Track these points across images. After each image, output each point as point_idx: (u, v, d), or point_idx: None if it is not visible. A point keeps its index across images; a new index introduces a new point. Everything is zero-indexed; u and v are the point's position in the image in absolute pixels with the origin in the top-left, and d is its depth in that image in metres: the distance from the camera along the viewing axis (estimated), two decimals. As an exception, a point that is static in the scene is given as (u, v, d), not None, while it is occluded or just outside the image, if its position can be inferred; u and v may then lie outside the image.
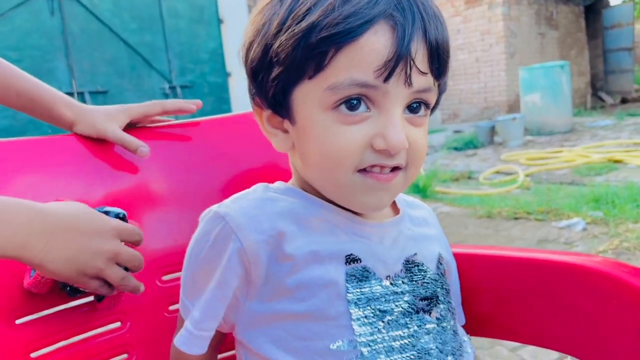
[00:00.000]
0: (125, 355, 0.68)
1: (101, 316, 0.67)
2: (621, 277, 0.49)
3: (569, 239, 3.16)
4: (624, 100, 12.22)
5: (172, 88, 6.42)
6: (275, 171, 0.74)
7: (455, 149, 7.53)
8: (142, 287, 0.63)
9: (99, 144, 0.71)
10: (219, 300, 0.53)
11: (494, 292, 0.63)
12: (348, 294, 0.52)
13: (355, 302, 0.53)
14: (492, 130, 7.67)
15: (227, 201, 0.56)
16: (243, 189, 0.59)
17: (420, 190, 4.76)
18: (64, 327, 0.62)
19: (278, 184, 0.60)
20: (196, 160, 0.77)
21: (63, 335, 0.63)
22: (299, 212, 0.55)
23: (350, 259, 0.54)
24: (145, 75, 6.27)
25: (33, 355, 0.59)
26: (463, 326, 0.66)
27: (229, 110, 7.35)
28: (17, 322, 0.59)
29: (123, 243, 0.61)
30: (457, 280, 0.68)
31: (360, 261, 0.54)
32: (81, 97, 5.64)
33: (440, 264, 0.62)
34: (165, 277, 0.71)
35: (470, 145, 7.53)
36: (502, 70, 9.87)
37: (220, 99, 7.21)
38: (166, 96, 6.49)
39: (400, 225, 0.61)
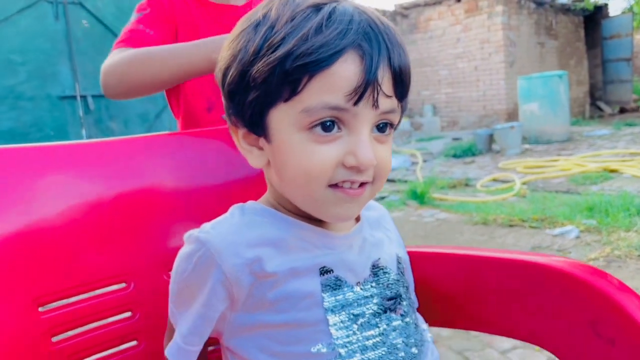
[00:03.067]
0: (134, 342, 0.75)
1: (109, 307, 0.73)
2: (577, 274, 0.55)
3: (562, 247, 3.22)
4: (622, 110, 12.31)
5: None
6: (252, 184, 0.81)
7: (454, 156, 7.59)
8: None
9: (102, 150, 0.78)
10: (205, 321, 0.58)
11: (467, 288, 0.70)
12: (324, 303, 0.58)
13: (332, 309, 0.58)
14: (491, 138, 7.73)
15: (207, 226, 0.60)
16: (238, 195, 0.64)
17: (418, 197, 4.83)
18: (84, 314, 0.69)
19: (252, 205, 0.64)
20: (194, 168, 0.84)
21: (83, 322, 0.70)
22: (275, 234, 0.59)
23: (324, 271, 0.59)
24: (148, 79, 6.35)
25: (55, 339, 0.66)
26: (431, 316, 0.72)
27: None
28: (40, 309, 0.66)
29: None
30: (410, 271, 0.73)
31: (333, 271, 0.60)
32: (84, 100, 5.71)
33: (400, 263, 0.68)
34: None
35: (468, 152, 7.60)
36: (501, 79, 9.96)
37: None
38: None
39: (362, 231, 0.66)
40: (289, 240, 0.59)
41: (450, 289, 0.71)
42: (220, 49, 0.64)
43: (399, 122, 0.61)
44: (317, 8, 0.53)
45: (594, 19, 12.24)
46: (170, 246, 0.78)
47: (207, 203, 0.82)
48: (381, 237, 0.68)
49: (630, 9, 11.92)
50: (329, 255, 0.60)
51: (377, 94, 0.53)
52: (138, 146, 0.80)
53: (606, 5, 12.30)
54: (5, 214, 0.67)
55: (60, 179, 0.73)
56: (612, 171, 5.36)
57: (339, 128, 0.54)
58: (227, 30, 1.07)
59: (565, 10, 11.52)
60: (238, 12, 1.08)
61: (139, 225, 0.77)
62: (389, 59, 0.54)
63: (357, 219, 0.67)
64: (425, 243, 3.60)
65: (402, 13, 11.05)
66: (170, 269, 0.73)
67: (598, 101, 12.61)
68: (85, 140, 0.77)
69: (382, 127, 0.57)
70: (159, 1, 1.08)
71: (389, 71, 0.54)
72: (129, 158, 0.78)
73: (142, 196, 0.78)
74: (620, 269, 2.77)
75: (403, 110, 0.60)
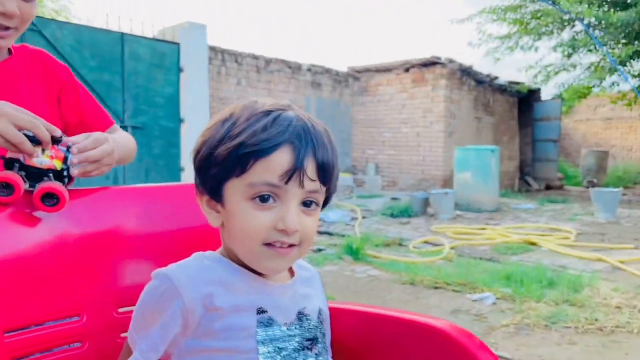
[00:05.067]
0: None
1: (62, 337, 0.84)
2: (450, 333, 0.72)
3: (480, 311, 3.46)
4: (548, 187, 13.27)
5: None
6: (209, 236, 0.94)
7: (391, 215, 7.91)
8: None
9: (75, 196, 0.89)
10: (162, 340, 0.71)
11: (366, 341, 0.85)
12: (257, 336, 0.73)
13: (262, 342, 0.72)
14: (426, 202, 8.14)
15: (174, 266, 0.75)
16: (185, 247, 0.78)
17: (353, 252, 5.01)
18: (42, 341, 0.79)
19: (210, 253, 0.79)
20: (152, 219, 0.97)
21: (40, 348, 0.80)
22: (226, 278, 0.75)
23: (260, 311, 0.74)
24: (97, 111, 6.34)
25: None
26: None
27: (177, 153, 7.48)
28: (6, 334, 0.76)
29: (9, 123, 0.79)
30: (329, 324, 0.88)
31: (267, 312, 0.75)
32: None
33: (320, 314, 0.85)
34: (121, 310, 0.89)
35: (405, 213, 7.93)
36: (440, 147, 10.56)
37: (170, 143, 7.34)
38: (116, 134, 6.54)
39: (295, 285, 0.82)
40: (235, 284, 0.75)
41: (353, 342, 0.87)
42: None
43: (327, 202, 0.79)
44: (267, 113, 0.73)
45: (527, 101, 13.30)
46: (124, 286, 0.90)
47: (166, 251, 0.94)
48: (309, 292, 0.84)
49: (560, 96, 13.02)
50: (266, 300, 0.76)
51: (303, 177, 0.71)
52: (111, 195, 0.92)
53: (539, 89, 13.41)
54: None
55: (25, 219, 0.84)
56: (532, 244, 5.78)
57: (274, 200, 0.72)
58: None
59: (502, 90, 12.48)
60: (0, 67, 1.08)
61: (97, 265, 0.88)
62: (314, 153, 0.73)
63: (293, 275, 0.83)
64: (355, 298, 3.75)
65: (354, 75, 11.62)
66: (122, 306, 0.86)
67: (527, 176, 13.56)
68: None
69: (308, 203, 0.75)
70: None
71: (313, 162, 0.72)
72: (98, 204, 0.90)
73: (105, 239, 0.90)
74: (527, 337, 3.01)
75: (329, 192, 0.78)
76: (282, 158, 0.70)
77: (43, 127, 0.82)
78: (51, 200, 0.83)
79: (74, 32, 6.10)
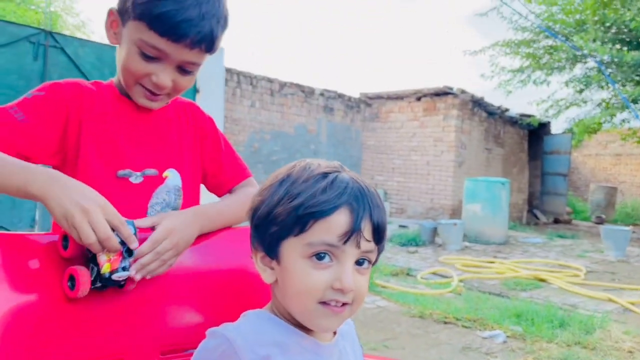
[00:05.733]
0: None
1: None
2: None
3: (490, 350, 3.42)
4: (556, 221, 13.21)
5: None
6: (255, 283, 0.95)
7: (399, 243, 7.88)
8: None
9: None
10: None
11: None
12: None
13: None
14: (435, 231, 8.11)
15: (230, 326, 0.75)
16: (229, 293, 0.79)
17: (361, 282, 4.98)
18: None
19: (262, 313, 0.81)
20: (197, 263, 0.99)
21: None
22: (280, 338, 0.76)
23: None
24: (113, 128, 6.41)
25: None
26: None
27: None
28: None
29: (103, 218, 0.79)
30: None
31: None
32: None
33: None
34: (163, 356, 0.90)
35: (413, 242, 7.91)
36: (449, 177, 10.57)
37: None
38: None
39: (338, 344, 0.84)
40: (289, 345, 0.76)
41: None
42: (29, 184, 0.80)
43: (376, 260, 0.80)
44: (324, 175, 0.75)
45: (537, 134, 13.31)
46: (167, 331, 0.91)
47: (210, 296, 0.96)
48: (349, 349, 0.86)
49: (570, 130, 13.02)
50: (317, 359, 0.78)
51: (360, 238, 0.73)
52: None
53: (549, 123, 13.44)
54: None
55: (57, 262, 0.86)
56: (541, 280, 5.73)
57: (330, 259, 0.74)
58: (139, 127, 1.10)
59: (512, 122, 12.52)
60: (153, 113, 1.11)
61: (142, 309, 0.90)
62: (370, 215, 0.75)
63: (334, 332, 0.84)
64: (364, 330, 3.72)
65: (366, 102, 11.70)
66: (163, 352, 0.87)
67: (535, 209, 13.50)
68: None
69: (362, 262, 0.76)
70: (59, 88, 1.03)
71: (369, 223, 0.75)
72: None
73: (149, 282, 0.91)
74: (539, 379, 2.97)
75: (380, 251, 0.79)
76: (341, 219, 0.72)
77: (126, 232, 0.83)
78: (72, 282, 0.83)
79: (94, 50, 6.21)
